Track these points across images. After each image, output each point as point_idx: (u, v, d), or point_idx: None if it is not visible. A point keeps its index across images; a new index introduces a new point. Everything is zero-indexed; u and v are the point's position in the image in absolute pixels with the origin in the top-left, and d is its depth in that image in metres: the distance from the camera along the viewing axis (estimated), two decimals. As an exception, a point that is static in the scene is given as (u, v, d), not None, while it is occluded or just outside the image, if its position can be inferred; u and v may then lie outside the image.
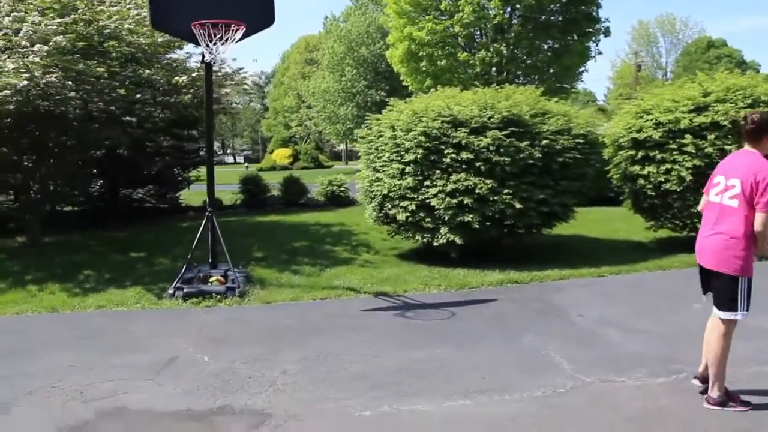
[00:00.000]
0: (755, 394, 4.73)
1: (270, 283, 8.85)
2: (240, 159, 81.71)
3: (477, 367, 5.44)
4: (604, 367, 5.39)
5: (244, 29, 7.71)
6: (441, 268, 9.47)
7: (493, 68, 24.27)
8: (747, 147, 4.52)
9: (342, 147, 67.04)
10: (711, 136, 9.73)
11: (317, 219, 15.24)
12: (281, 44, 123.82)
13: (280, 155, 53.50)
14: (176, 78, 11.13)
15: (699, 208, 4.97)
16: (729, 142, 9.64)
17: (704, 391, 4.71)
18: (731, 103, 9.84)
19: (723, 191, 4.51)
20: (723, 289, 4.50)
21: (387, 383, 5.14)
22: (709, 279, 4.68)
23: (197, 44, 7.89)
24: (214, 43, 7.63)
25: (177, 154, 16.94)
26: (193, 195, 19.40)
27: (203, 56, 8.06)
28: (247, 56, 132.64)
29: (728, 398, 4.53)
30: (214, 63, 8.25)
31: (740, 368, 5.29)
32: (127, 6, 10.93)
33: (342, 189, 18.69)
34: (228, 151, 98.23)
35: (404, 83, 26.68)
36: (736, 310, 4.44)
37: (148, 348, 6.15)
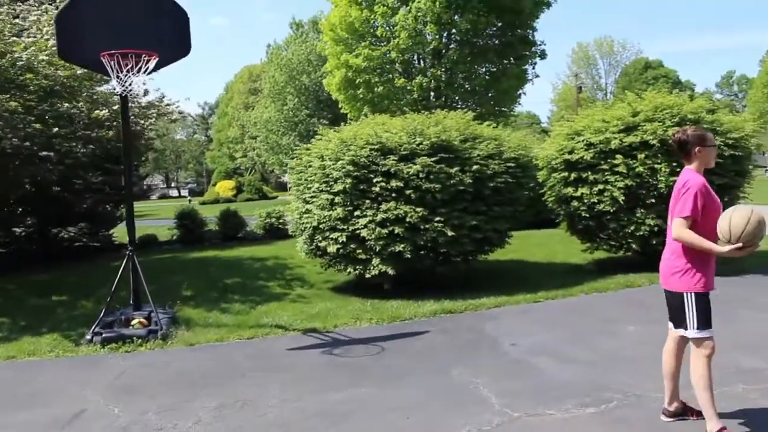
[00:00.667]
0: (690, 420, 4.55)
1: (196, 324, 8.46)
2: (185, 192, 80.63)
3: (401, 407, 5.16)
4: (533, 399, 5.18)
5: (157, 59, 7.40)
6: (375, 300, 9.21)
7: (432, 93, 24.25)
8: (685, 165, 4.46)
9: (287, 177, 66.65)
10: (641, 156, 9.74)
11: (253, 253, 14.87)
12: (226, 75, 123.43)
13: (224, 187, 52.86)
14: (96, 111, 10.70)
15: None
16: (659, 161, 9.66)
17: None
18: (659, 122, 9.88)
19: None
20: (674, 307, 4.41)
21: (306, 429, 4.84)
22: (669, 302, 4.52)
23: (108, 75, 7.56)
24: (126, 74, 7.30)
25: (109, 189, 16.41)
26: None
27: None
28: (188, 88, 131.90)
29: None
30: (130, 93, 7.87)
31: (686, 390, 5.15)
32: (45, 37, 10.51)
33: (281, 221, 18.31)
34: (172, 185, 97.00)
35: (342, 111, 26.54)
36: (686, 328, 4.28)
37: (53, 402, 5.72)
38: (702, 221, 4.20)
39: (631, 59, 79.30)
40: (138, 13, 7.71)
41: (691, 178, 4.27)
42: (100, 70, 7.58)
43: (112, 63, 7.25)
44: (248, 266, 13.03)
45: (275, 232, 18.23)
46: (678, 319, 4.36)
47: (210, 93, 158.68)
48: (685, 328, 4.27)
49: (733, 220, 4.07)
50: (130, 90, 7.57)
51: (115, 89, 10.84)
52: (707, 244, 4.14)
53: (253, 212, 19.72)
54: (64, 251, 15.93)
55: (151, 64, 7.39)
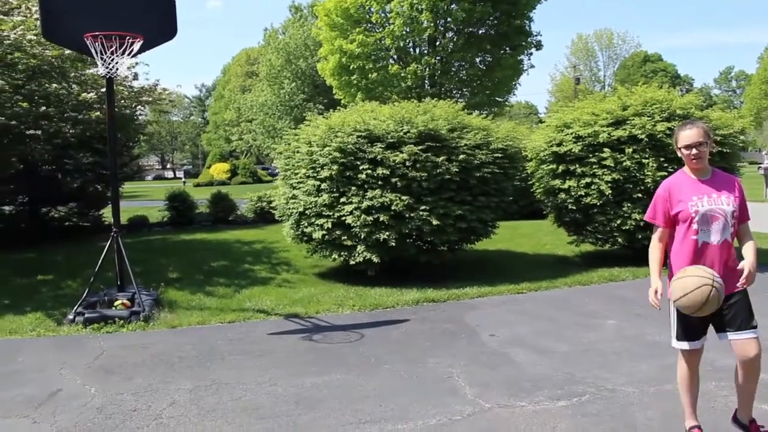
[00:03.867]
0: (662, 414, 4.58)
1: (179, 306, 8.49)
2: (180, 174, 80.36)
3: (375, 394, 5.19)
4: (506, 390, 5.20)
5: (142, 42, 7.36)
6: (359, 287, 9.24)
7: (426, 82, 24.21)
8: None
9: (275, 163, 66.28)
10: (629, 150, 9.73)
11: (242, 236, 14.89)
12: (224, 57, 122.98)
13: (218, 170, 52.70)
14: (84, 94, 10.66)
15: None
16: (646, 156, 9.66)
17: None
18: (648, 116, 9.87)
19: None
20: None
21: (277, 414, 4.85)
22: None
23: (91, 56, 7.51)
24: (111, 56, 7.26)
25: (99, 170, 16.35)
26: (122, 213, 18.75)
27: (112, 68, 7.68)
28: (186, 69, 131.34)
29: None
30: (116, 76, 7.83)
31: (641, 387, 5.19)
32: (35, 17, 10.44)
33: (271, 205, 18.27)
34: (168, 166, 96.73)
35: (336, 96, 26.50)
36: (672, 336, 4.19)
37: (30, 381, 5.73)
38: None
39: (630, 52, 79.30)
40: (125, -6, 7.68)
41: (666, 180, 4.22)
42: (85, 51, 7.54)
43: (96, 45, 7.21)
44: (236, 250, 13.04)
45: (266, 215, 18.20)
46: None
47: (208, 75, 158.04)
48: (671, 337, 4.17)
49: (689, 296, 3.76)
50: (116, 72, 7.53)
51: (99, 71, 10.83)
52: (652, 270, 4.11)
53: (246, 196, 19.70)
54: (54, 231, 15.91)
55: (136, 47, 7.35)
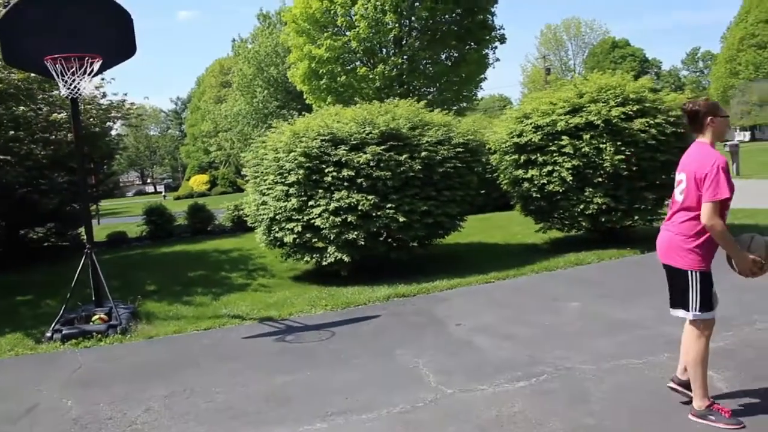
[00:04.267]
0: (615, 387, 4.82)
1: (157, 317, 8.64)
2: (161, 188, 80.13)
3: (342, 388, 5.40)
4: (468, 376, 5.43)
5: (101, 61, 7.53)
6: (332, 287, 9.44)
7: (394, 82, 24.42)
8: (697, 138, 4.33)
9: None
10: (586, 136, 9.99)
11: (219, 245, 15.05)
12: (198, 68, 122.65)
13: (197, 181, 52.73)
14: (54, 114, 10.81)
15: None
16: (604, 141, 9.91)
17: (687, 402, 4.43)
18: (603, 102, 10.13)
19: (677, 186, 4.39)
20: (675, 285, 4.33)
21: (248, 412, 5.06)
22: (671, 279, 4.42)
23: (53, 78, 7.67)
24: (72, 77, 7.42)
25: (75, 189, 16.39)
26: (101, 230, 18.91)
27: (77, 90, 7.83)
28: (160, 84, 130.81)
29: (710, 411, 4.19)
30: (79, 96, 7.98)
31: (598, 364, 5.43)
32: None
33: (244, 212, 18.42)
34: (148, 181, 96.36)
35: (307, 102, 26.66)
36: (688, 309, 4.23)
37: (8, 398, 5.88)
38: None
39: (598, 40, 80.00)
40: (81, 16, 7.82)
41: (712, 155, 4.11)
42: (46, 73, 7.69)
43: (56, 66, 7.37)
44: (214, 259, 13.21)
45: (243, 224, 18.20)
46: (678, 300, 4.31)
47: (183, 88, 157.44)
48: (687, 309, 4.22)
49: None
50: (78, 93, 7.68)
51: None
52: (736, 247, 4.12)
53: (223, 205, 19.82)
54: (33, 252, 15.96)
55: (96, 66, 7.51)
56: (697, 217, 4.12)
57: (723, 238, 4.06)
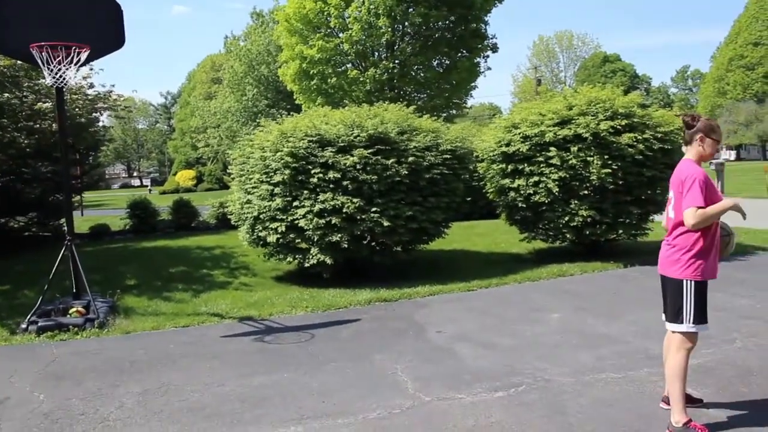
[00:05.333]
0: (593, 401, 4.80)
1: (136, 312, 8.55)
2: (147, 181, 79.74)
3: (319, 391, 5.35)
4: (446, 384, 5.39)
5: (89, 51, 7.44)
6: (314, 289, 9.39)
7: (385, 85, 24.41)
8: (685, 155, 4.38)
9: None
10: (574, 149, 10.00)
11: (202, 242, 14.93)
12: (189, 64, 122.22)
13: (184, 177, 52.53)
14: (39, 104, 10.69)
15: (663, 225, 4.71)
16: (591, 154, 9.92)
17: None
18: (592, 115, 10.14)
19: (668, 204, 4.47)
20: (670, 296, 4.34)
21: (222, 412, 4.99)
22: (666, 291, 4.45)
23: (39, 67, 7.57)
24: (58, 66, 7.33)
25: (59, 179, 16.23)
26: (84, 222, 18.73)
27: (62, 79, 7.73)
28: (151, 77, 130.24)
29: (686, 429, 4.16)
30: (65, 85, 7.87)
31: (577, 376, 5.41)
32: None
33: (228, 209, 18.30)
34: (134, 174, 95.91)
35: (297, 102, 26.60)
36: (681, 322, 4.24)
37: (-23, 390, 5.81)
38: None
39: (590, 53, 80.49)
40: (69, 4, 7.74)
41: (691, 169, 4.20)
42: (32, 61, 7.59)
43: (42, 55, 7.27)
44: (196, 255, 13.11)
45: (227, 221, 18.02)
46: (669, 309, 4.34)
47: (173, 82, 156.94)
48: (681, 322, 4.23)
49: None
50: (64, 83, 7.58)
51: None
52: (719, 205, 4.10)
53: (208, 202, 19.70)
54: (13, 241, 15.78)
55: (83, 56, 7.42)
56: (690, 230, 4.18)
57: (710, 214, 4.09)
